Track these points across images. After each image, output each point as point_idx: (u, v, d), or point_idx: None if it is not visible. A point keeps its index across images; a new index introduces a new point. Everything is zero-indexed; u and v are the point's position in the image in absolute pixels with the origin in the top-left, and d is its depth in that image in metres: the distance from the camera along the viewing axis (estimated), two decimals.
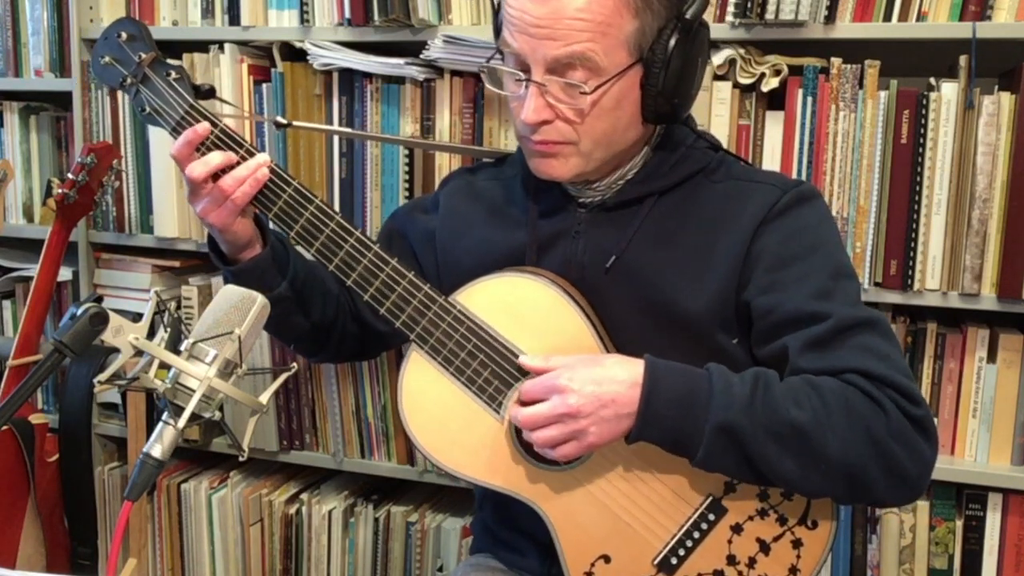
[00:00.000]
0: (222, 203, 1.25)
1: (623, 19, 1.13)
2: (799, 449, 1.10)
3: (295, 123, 1.53)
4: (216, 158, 1.25)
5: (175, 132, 1.28)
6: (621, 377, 1.12)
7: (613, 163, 1.25)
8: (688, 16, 1.16)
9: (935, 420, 1.69)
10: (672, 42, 1.15)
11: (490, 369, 1.22)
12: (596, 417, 1.12)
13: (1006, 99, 1.58)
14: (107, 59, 1.30)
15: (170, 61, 1.31)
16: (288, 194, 1.27)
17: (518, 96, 1.20)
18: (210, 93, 1.32)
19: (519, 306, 1.22)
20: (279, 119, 1.46)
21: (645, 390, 1.12)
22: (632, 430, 1.13)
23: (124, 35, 1.30)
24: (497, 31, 1.25)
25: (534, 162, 1.23)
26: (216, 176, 1.26)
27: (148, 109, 1.30)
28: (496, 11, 1.25)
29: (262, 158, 1.27)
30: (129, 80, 1.30)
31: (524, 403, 1.17)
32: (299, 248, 1.34)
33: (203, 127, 1.27)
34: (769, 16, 1.62)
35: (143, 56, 1.29)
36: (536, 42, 1.14)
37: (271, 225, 1.35)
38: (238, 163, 1.27)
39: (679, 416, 1.12)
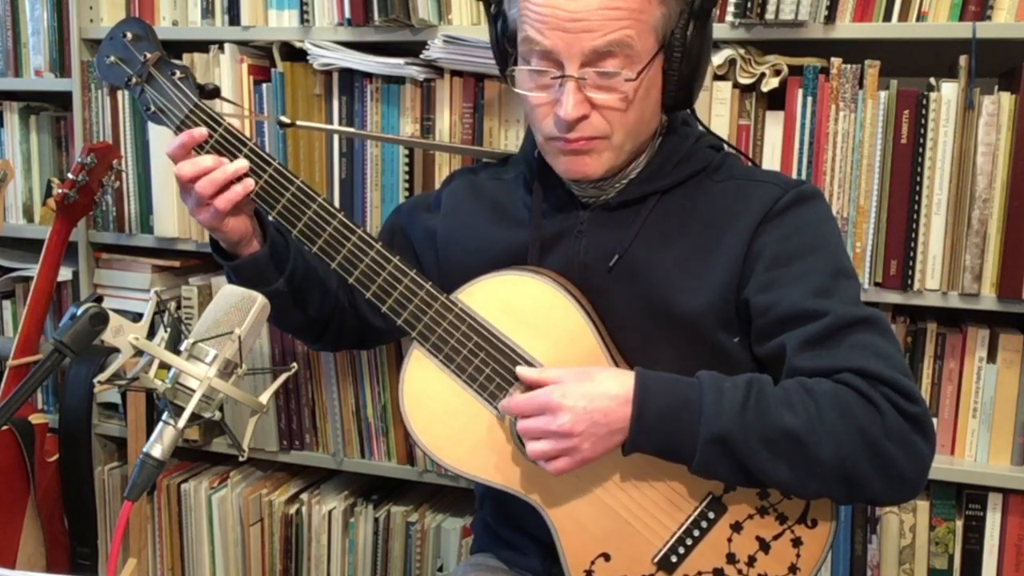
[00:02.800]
0: (205, 205, 1.27)
1: (651, 5, 1.15)
2: (793, 455, 1.10)
3: (299, 123, 1.53)
4: (206, 161, 1.27)
5: (179, 131, 1.30)
6: (613, 392, 1.12)
7: (635, 155, 1.25)
8: None
9: (934, 420, 1.70)
10: (691, 27, 1.16)
11: (491, 367, 1.22)
12: (588, 435, 1.12)
13: (1006, 99, 1.58)
14: (113, 59, 1.32)
15: (175, 61, 1.32)
16: (291, 192, 1.28)
17: (551, 94, 1.18)
18: (214, 93, 1.33)
19: (520, 305, 1.23)
20: (283, 119, 1.47)
21: (636, 404, 1.12)
22: (625, 444, 1.14)
23: (130, 35, 1.31)
24: (494, 37, 1.25)
25: (565, 161, 1.22)
26: None
27: (153, 108, 1.31)
28: (495, 17, 1.24)
29: (239, 163, 1.27)
30: (134, 79, 1.31)
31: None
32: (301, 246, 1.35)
33: (200, 132, 1.28)
34: (769, 16, 1.62)
35: (148, 56, 1.30)
36: (572, 36, 1.13)
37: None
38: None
39: (671, 429, 1.12)
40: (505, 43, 1.25)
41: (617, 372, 1.16)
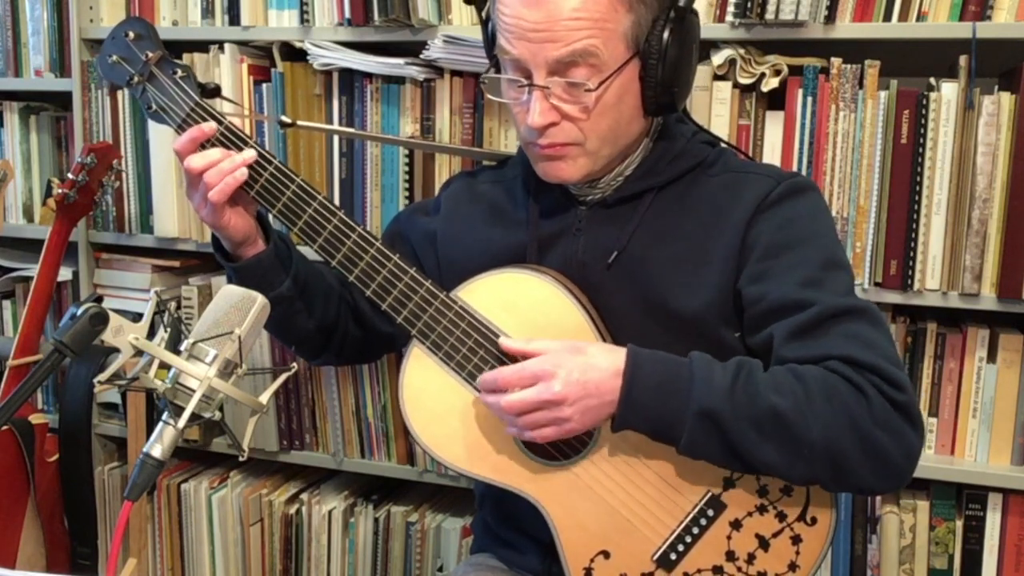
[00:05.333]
0: (207, 198, 1.26)
1: (618, 14, 1.14)
2: (780, 435, 1.11)
3: (299, 123, 1.53)
4: (215, 154, 1.27)
5: (180, 129, 1.30)
6: (604, 365, 1.13)
7: (619, 159, 1.25)
8: (680, 5, 1.17)
9: (934, 420, 1.70)
10: (667, 33, 1.16)
11: (490, 365, 1.22)
12: (580, 406, 1.12)
13: (1006, 99, 1.58)
14: (115, 58, 1.32)
15: (176, 60, 1.32)
16: (292, 191, 1.28)
17: (521, 102, 1.20)
18: (215, 92, 1.33)
19: (520, 302, 1.23)
20: (284, 118, 1.47)
21: (627, 377, 1.12)
22: (615, 417, 1.14)
23: (132, 34, 1.32)
24: (486, 42, 1.26)
25: (542, 166, 1.23)
26: None
27: (154, 107, 1.32)
28: (484, 22, 1.25)
29: (248, 153, 1.27)
30: (136, 78, 1.31)
31: (504, 389, 1.16)
32: (301, 245, 1.35)
33: (209, 127, 1.28)
34: (769, 16, 1.62)
35: (150, 55, 1.31)
36: (536, 46, 1.14)
37: (273, 222, 1.36)
38: None
39: (660, 403, 1.12)
40: (487, 52, 1.27)
41: (608, 347, 1.17)
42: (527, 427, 1.15)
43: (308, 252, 1.36)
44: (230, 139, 1.29)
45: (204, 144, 1.28)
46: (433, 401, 1.25)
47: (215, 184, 1.25)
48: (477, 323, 1.23)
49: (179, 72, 1.31)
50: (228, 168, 1.26)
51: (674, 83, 1.19)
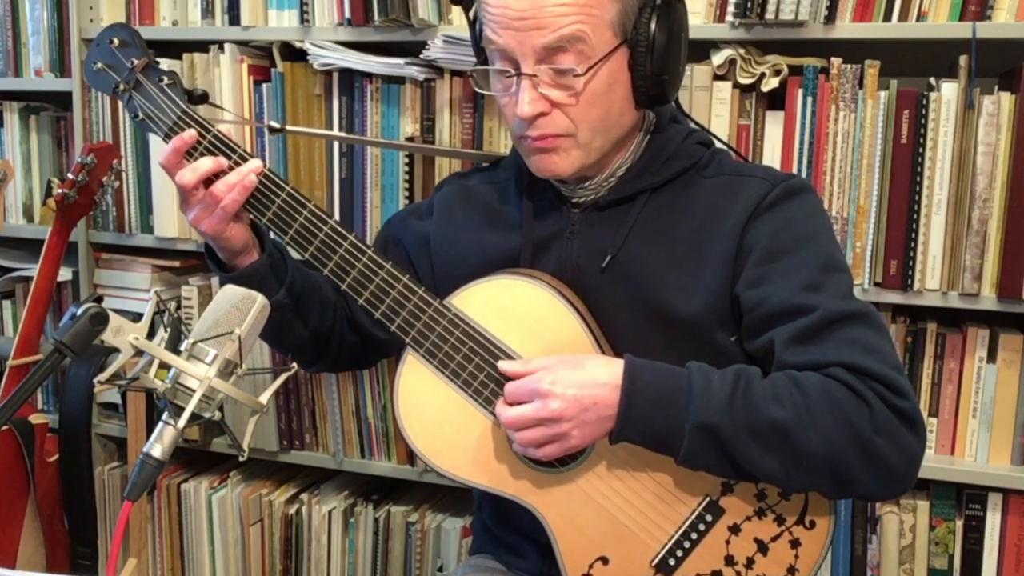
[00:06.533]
0: (213, 210, 1.24)
1: (604, 1, 1.14)
2: (780, 447, 1.10)
3: (288, 128, 1.52)
4: (206, 164, 1.24)
5: (168, 138, 1.27)
6: (602, 379, 1.13)
7: (612, 154, 1.25)
8: None
9: (934, 420, 1.70)
10: (654, 21, 1.16)
11: (485, 372, 1.22)
12: (578, 420, 1.12)
13: (1006, 99, 1.57)
14: (100, 65, 1.29)
15: (163, 67, 1.30)
16: (282, 199, 1.26)
17: (510, 93, 1.19)
18: (203, 98, 1.31)
19: (514, 308, 1.22)
20: (272, 124, 1.46)
21: (624, 391, 1.12)
22: (613, 430, 1.14)
23: (116, 41, 1.29)
24: (474, 41, 1.25)
25: (534, 160, 1.22)
26: (208, 182, 1.25)
27: (141, 115, 1.29)
28: (472, 22, 1.25)
29: (254, 164, 1.26)
30: (122, 86, 1.29)
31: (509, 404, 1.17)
32: (293, 253, 1.34)
33: (189, 134, 1.26)
34: (769, 16, 1.62)
35: (135, 62, 1.28)
36: (523, 35, 1.14)
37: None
38: (230, 168, 1.26)
39: (659, 416, 1.12)
40: (475, 47, 1.26)
41: (606, 360, 1.16)
42: (528, 444, 1.15)
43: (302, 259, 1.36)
44: (217, 147, 1.27)
45: (191, 152, 1.26)
46: (429, 409, 1.24)
47: (223, 196, 1.23)
48: (471, 331, 1.22)
49: (165, 79, 1.28)
50: (236, 180, 1.24)
51: (663, 72, 1.18)
